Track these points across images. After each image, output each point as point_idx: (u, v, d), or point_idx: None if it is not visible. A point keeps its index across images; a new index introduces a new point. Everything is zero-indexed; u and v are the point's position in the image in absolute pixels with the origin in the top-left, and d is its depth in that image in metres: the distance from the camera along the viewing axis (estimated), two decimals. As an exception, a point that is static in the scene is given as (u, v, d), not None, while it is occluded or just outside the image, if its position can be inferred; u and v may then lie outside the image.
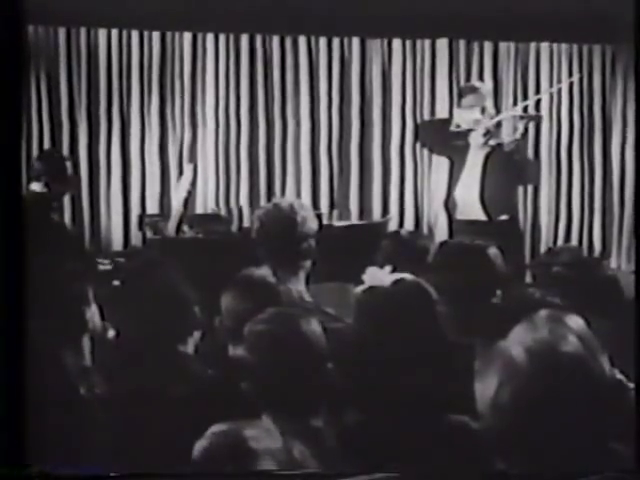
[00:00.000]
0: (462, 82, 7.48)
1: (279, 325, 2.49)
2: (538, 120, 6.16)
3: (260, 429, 2.38)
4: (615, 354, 2.15)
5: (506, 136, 5.55)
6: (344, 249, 4.91)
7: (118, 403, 2.79)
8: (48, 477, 2.49)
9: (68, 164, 5.72)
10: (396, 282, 2.75)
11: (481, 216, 5.63)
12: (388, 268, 3.73)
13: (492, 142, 5.61)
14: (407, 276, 2.81)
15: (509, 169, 5.60)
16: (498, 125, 5.61)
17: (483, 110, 5.70)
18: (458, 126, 5.78)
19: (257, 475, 2.34)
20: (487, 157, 5.65)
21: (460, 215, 5.68)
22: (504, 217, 5.65)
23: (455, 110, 5.86)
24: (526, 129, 6.54)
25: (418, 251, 3.89)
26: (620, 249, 7.71)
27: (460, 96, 5.85)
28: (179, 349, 2.99)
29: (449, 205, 5.86)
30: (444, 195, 7.40)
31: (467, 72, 7.51)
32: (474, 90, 5.79)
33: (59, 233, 5.17)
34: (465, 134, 5.72)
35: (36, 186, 5.26)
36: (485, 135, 5.60)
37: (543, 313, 2.05)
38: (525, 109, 6.16)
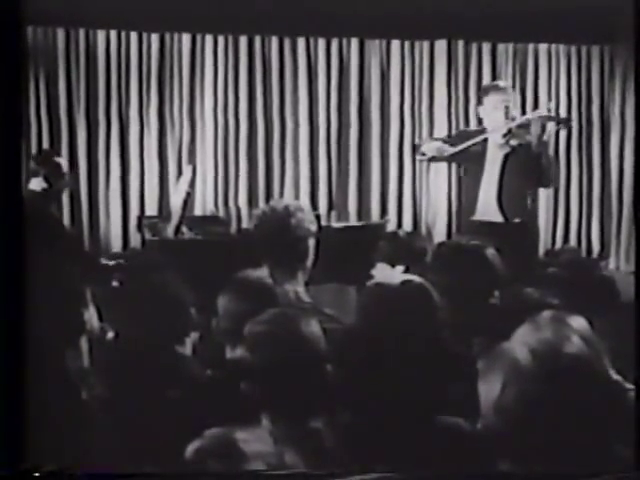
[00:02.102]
0: (460, 83, 7.51)
1: (279, 326, 2.49)
2: (567, 123, 6.04)
3: (258, 430, 2.38)
4: (614, 355, 2.15)
5: (532, 137, 5.43)
6: (343, 250, 4.90)
7: (117, 403, 2.79)
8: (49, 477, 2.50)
9: (62, 160, 5.74)
10: (404, 282, 2.76)
11: (498, 218, 5.57)
12: (400, 268, 3.74)
13: (513, 142, 5.52)
14: (415, 278, 2.81)
15: (529, 171, 5.51)
16: (520, 126, 5.51)
17: (507, 109, 5.59)
18: (423, 154, 5.72)
19: (256, 476, 2.34)
20: (506, 158, 5.56)
21: (477, 216, 5.61)
22: (517, 220, 5.59)
23: (479, 109, 5.79)
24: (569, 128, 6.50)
25: (416, 252, 3.89)
26: (619, 249, 7.71)
27: (484, 94, 5.74)
28: (177, 350, 3.00)
29: (466, 207, 5.79)
30: (445, 197, 7.45)
31: (465, 73, 7.51)
32: (498, 89, 5.70)
33: (58, 233, 5.17)
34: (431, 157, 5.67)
35: (35, 184, 5.25)
36: (505, 136, 5.52)
37: (546, 314, 2.05)
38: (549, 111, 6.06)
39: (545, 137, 5.48)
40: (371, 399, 2.49)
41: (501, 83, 6.06)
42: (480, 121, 5.80)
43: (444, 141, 5.77)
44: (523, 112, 6.72)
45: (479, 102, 5.78)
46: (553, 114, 5.94)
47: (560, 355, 1.95)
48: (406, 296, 2.72)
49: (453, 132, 7.07)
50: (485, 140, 5.57)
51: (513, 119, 5.59)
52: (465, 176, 5.89)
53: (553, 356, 1.95)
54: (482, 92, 5.84)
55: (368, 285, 2.86)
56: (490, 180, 5.57)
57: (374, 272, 3.69)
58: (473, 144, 5.55)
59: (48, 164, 5.41)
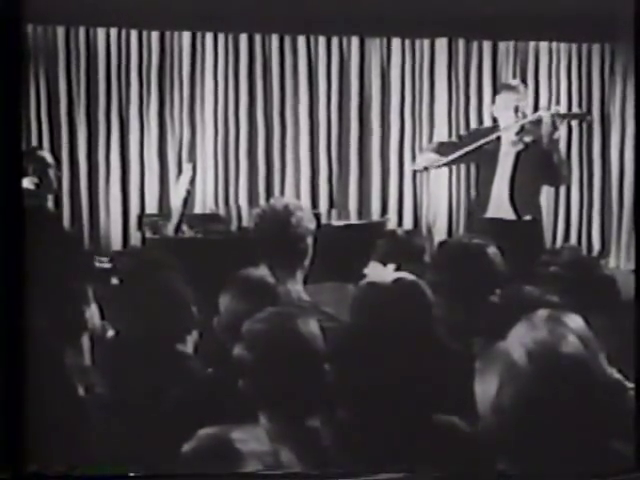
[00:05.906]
0: (461, 81, 7.50)
1: (277, 324, 2.48)
2: (584, 119, 6.04)
3: (255, 429, 2.38)
4: (613, 353, 2.15)
5: (544, 135, 5.42)
6: (343, 249, 4.91)
7: (117, 402, 2.79)
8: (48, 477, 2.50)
9: (46, 153, 5.76)
10: (396, 281, 2.76)
11: (510, 215, 5.58)
12: (391, 266, 3.74)
13: (526, 139, 5.52)
14: (407, 276, 2.81)
15: (541, 168, 5.51)
16: (533, 122, 5.51)
17: (517, 108, 5.60)
18: (424, 167, 5.76)
19: (253, 476, 2.34)
20: (519, 155, 5.56)
21: (489, 214, 5.62)
22: (529, 217, 5.60)
23: (492, 108, 5.80)
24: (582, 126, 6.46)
25: (415, 250, 3.89)
26: (619, 248, 7.71)
27: (497, 94, 5.76)
28: (178, 348, 3.00)
29: (477, 203, 5.79)
30: (446, 195, 7.45)
31: (466, 71, 7.51)
32: (509, 88, 5.72)
33: (58, 232, 5.17)
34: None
35: (27, 182, 5.26)
36: (518, 133, 5.52)
37: (543, 313, 2.05)
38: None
39: (556, 135, 5.48)
40: (369, 398, 2.49)
41: (512, 82, 6.08)
42: (495, 120, 5.81)
43: (436, 151, 5.78)
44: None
45: (492, 101, 5.79)
46: (566, 111, 5.94)
47: (556, 354, 1.95)
48: (399, 294, 2.72)
49: (461, 131, 7.10)
50: (498, 138, 5.58)
51: (525, 116, 5.60)
52: (478, 174, 5.91)
53: (549, 355, 1.95)
54: (496, 91, 5.87)
55: (360, 284, 2.86)
56: (503, 178, 5.58)
57: (367, 271, 3.69)
58: (470, 150, 5.57)
59: (34, 160, 5.43)
